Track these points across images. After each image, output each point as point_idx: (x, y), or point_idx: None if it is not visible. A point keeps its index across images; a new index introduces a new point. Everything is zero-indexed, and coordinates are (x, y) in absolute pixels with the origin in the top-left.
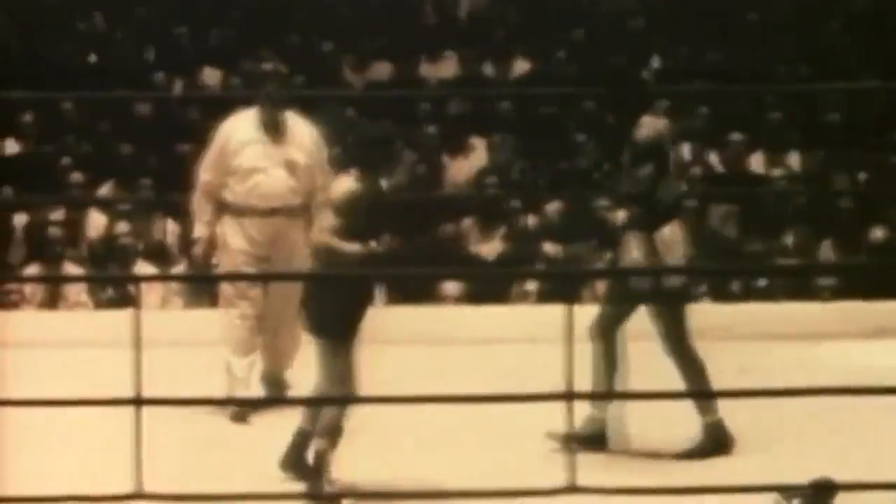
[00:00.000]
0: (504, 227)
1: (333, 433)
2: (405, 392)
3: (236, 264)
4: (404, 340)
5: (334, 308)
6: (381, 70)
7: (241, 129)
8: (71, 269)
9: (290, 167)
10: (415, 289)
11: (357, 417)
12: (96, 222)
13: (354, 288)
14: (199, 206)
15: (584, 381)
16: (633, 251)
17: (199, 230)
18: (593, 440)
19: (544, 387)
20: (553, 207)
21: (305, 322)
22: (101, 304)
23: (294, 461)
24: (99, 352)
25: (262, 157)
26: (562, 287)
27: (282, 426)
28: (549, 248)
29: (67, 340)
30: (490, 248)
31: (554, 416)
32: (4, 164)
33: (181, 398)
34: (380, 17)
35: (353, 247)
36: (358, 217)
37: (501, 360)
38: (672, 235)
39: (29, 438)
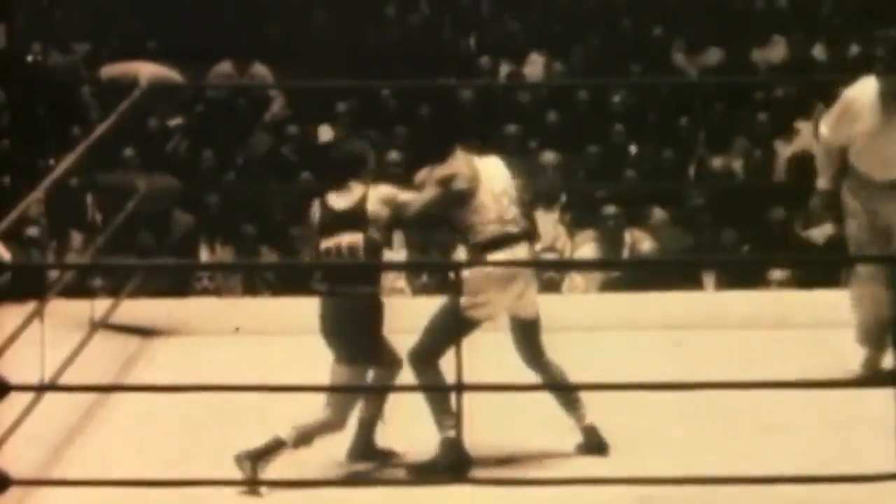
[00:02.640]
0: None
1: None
2: (740, 378)
3: (856, 234)
4: (732, 325)
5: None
6: (713, 56)
7: (864, 94)
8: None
9: None
10: (745, 274)
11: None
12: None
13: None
14: (822, 161)
15: None
16: None
17: (821, 184)
18: None
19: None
20: None
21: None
22: (418, 291)
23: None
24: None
25: (879, 126)
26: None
27: None
28: None
29: None
30: (820, 232)
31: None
32: (319, 151)
33: (501, 384)
34: (710, 1)
35: None
36: None
37: (831, 344)
38: None
39: None
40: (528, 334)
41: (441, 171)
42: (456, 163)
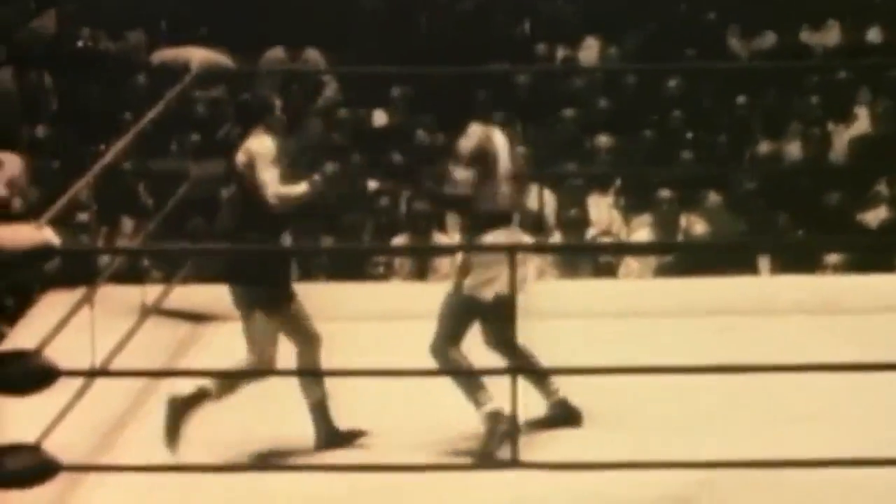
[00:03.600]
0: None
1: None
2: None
3: None
4: (786, 310)
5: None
6: (767, 40)
7: None
8: (442, 239)
9: None
10: (799, 258)
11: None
12: None
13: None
14: None
15: None
16: None
17: None
18: None
19: None
20: None
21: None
22: None
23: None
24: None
25: None
26: None
27: None
28: None
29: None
30: (874, 216)
31: None
32: (373, 135)
33: (552, 368)
34: None
35: None
36: None
37: (886, 329)
38: None
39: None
40: (508, 315)
41: (467, 146)
42: (476, 137)
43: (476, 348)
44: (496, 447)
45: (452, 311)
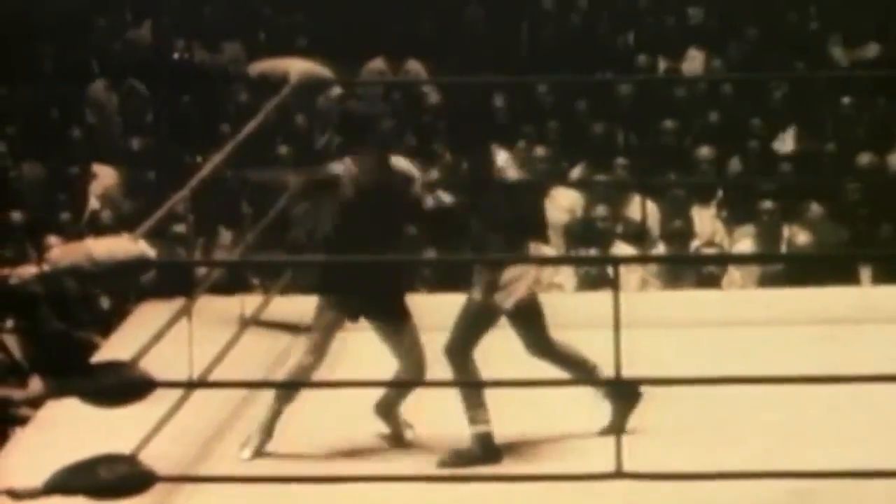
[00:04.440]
0: None
1: None
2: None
3: None
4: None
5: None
6: (871, 50)
7: None
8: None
9: None
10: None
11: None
12: (572, 203)
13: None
14: None
15: None
16: None
17: None
18: None
19: None
20: None
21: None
22: (579, 286)
23: None
24: (578, 333)
25: None
26: None
27: None
28: None
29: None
30: None
31: None
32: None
33: (661, 378)
34: None
35: None
36: None
37: None
38: None
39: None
40: (534, 318)
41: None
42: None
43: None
44: (462, 465)
45: (468, 318)
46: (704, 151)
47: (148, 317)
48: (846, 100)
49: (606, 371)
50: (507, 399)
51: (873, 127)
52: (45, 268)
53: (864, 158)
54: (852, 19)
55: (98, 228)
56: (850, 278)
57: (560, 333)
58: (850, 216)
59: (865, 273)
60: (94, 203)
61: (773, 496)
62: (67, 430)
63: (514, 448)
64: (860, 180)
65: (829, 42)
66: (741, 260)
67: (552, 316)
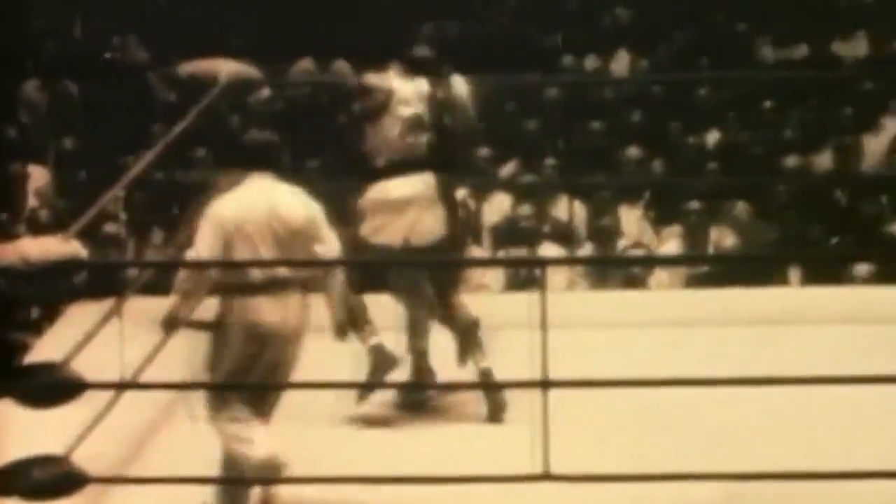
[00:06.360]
0: None
1: None
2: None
3: None
4: (816, 320)
5: None
6: (799, 51)
7: None
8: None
9: None
10: (826, 269)
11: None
12: (500, 203)
13: None
14: None
15: None
16: None
17: None
18: None
19: None
20: None
21: None
22: (505, 287)
23: None
24: (505, 333)
25: None
26: None
27: None
28: None
29: None
30: None
31: None
32: None
33: (585, 380)
34: None
35: None
36: None
37: None
38: None
39: None
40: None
41: None
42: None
43: None
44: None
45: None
46: (632, 152)
47: (79, 317)
48: (771, 102)
49: (533, 372)
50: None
51: (802, 128)
52: None
53: (792, 160)
54: (781, 20)
55: (36, 228)
56: (778, 279)
57: (488, 334)
58: (778, 216)
59: (795, 274)
60: (32, 201)
61: (704, 498)
62: None
63: (438, 448)
64: (788, 181)
65: (757, 43)
66: (669, 261)
67: (480, 316)
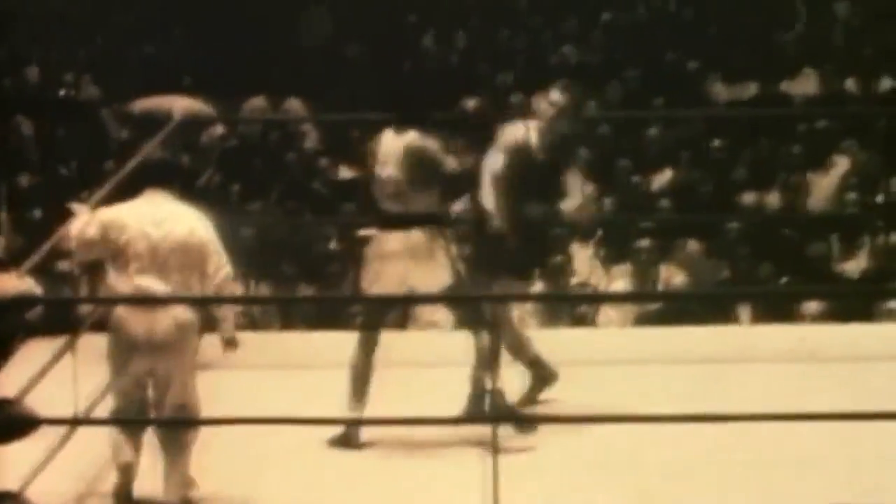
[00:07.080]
0: (867, 243)
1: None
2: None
3: None
4: (766, 358)
5: None
6: (748, 89)
7: None
8: None
9: None
10: (776, 307)
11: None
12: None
13: None
14: None
15: None
16: None
17: None
18: None
19: None
20: None
21: None
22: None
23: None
24: (454, 370)
25: None
26: None
27: None
28: None
29: (418, 360)
30: (854, 266)
31: None
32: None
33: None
34: (741, 36)
35: None
36: None
37: (866, 378)
38: None
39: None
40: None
41: None
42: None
43: None
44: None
45: None
46: (587, 189)
47: (32, 354)
48: (721, 140)
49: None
50: (384, 433)
51: (752, 166)
52: None
53: (745, 197)
54: (731, 58)
55: None
56: (728, 317)
57: (436, 371)
58: (729, 254)
59: (745, 312)
60: None
61: None
62: None
63: (390, 482)
64: (740, 219)
65: (708, 80)
66: (620, 298)
67: (429, 354)
